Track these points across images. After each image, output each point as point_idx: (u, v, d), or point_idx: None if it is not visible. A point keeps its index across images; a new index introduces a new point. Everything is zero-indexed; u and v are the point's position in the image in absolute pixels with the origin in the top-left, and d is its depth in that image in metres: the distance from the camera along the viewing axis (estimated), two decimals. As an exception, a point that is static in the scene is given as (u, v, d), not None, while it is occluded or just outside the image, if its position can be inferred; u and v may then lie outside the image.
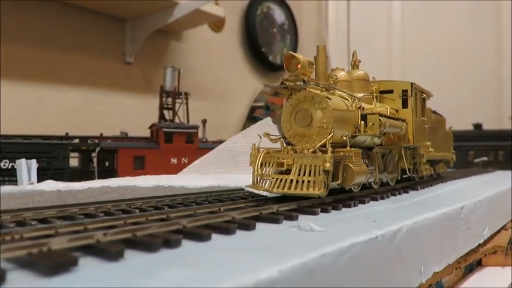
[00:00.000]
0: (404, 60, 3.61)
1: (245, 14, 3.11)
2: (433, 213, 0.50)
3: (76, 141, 1.13)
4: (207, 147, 1.08)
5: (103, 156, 1.05)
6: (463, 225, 0.60)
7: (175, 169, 0.98)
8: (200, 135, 1.50)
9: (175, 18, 2.30)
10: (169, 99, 1.74)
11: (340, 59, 3.62)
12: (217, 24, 2.96)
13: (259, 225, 0.40)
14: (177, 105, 1.75)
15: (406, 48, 3.73)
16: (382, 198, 0.64)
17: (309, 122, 0.58)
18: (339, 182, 0.56)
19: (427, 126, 0.90)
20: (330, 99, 0.59)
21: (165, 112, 1.77)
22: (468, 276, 0.68)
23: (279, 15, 3.36)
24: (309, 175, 0.53)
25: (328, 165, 0.52)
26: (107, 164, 1.07)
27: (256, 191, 0.58)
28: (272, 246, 0.32)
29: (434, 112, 1.09)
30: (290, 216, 0.43)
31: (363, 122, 0.64)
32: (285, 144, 0.61)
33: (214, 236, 0.35)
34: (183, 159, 1.11)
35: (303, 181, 0.53)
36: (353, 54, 0.83)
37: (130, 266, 0.26)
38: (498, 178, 1.18)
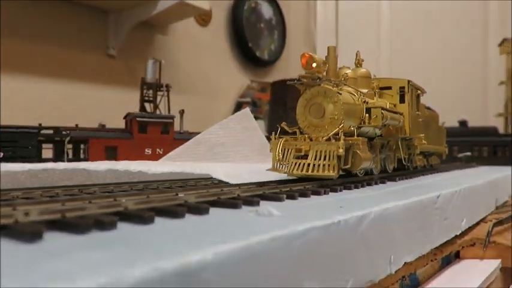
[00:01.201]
0: (392, 57, 3.61)
1: (232, 8, 3.07)
2: (405, 200, 0.47)
3: (49, 132, 1.09)
4: (183, 138, 1.04)
5: (75, 146, 1.01)
6: (438, 214, 0.57)
7: (150, 160, 0.94)
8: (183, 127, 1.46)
9: (159, 11, 2.26)
10: (151, 92, 1.70)
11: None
12: (203, 18, 2.92)
13: (215, 210, 0.37)
14: (158, 98, 1.71)
15: (394, 45, 3.73)
16: (357, 187, 0.62)
17: (322, 114, 0.67)
18: (349, 166, 0.64)
19: (420, 119, 0.98)
20: (340, 94, 0.67)
21: (146, 105, 1.73)
22: (445, 268, 0.66)
23: (266, 10, 3.32)
24: (324, 159, 0.61)
25: (341, 151, 0.60)
26: (81, 155, 1.03)
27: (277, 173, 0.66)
28: (218, 230, 0.29)
29: (428, 108, 1.17)
30: (251, 201, 0.40)
31: (367, 115, 0.72)
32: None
33: (159, 219, 0.31)
34: (157, 150, 1.07)
35: (319, 165, 0.61)
36: (356, 54, 0.88)
37: (45, 248, 0.22)
38: (480, 172, 1.17)
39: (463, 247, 0.71)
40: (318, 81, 0.67)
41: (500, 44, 3.13)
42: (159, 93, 1.71)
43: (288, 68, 3.39)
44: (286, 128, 0.70)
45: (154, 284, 0.19)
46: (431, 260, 0.61)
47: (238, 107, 3.08)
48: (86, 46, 2.22)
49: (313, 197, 0.50)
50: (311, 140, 0.66)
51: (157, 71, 1.73)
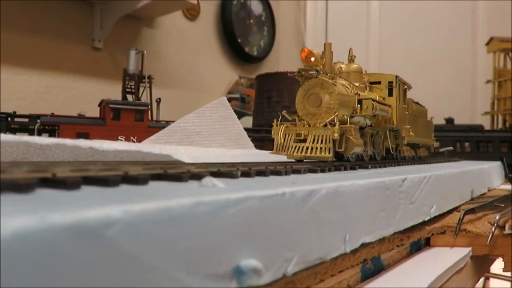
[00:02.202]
0: (381, 56, 3.62)
1: (221, 3, 3.05)
2: (365, 180, 0.46)
3: (24, 120, 1.07)
4: (159, 126, 1.02)
5: (50, 134, 0.99)
6: (403, 198, 0.56)
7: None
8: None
9: (145, 3, 2.23)
10: (133, 83, 1.68)
11: (318, 50, 3.60)
12: (191, 12, 2.90)
13: (157, 183, 0.35)
14: (141, 90, 1.69)
15: (383, 45, 3.73)
16: (323, 171, 0.60)
17: (318, 103, 0.75)
18: (342, 149, 0.72)
19: (407, 112, 1.06)
20: (335, 85, 0.75)
21: (129, 97, 1.71)
22: (413, 255, 0.65)
23: (256, 6, 3.30)
24: (321, 143, 0.69)
25: (336, 135, 0.69)
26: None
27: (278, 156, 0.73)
28: (146, 195, 0.27)
29: (416, 103, 1.24)
30: (200, 176, 0.39)
31: (359, 106, 0.80)
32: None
33: (87, 187, 0.30)
34: (131, 137, 1.05)
35: (316, 148, 0.69)
36: (349, 51, 0.95)
37: None
38: (460, 165, 1.16)
39: (432, 234, 0.70)
40: (316, 73, 0.74)
41: (488, 43, 3.15)
42: (142, 84, 1.69)
43: (277, 64, 3.38)
44: (286, 115, 0.79)
45: (36, 238, 0.17)
46: (398, 245, 0.60)
47: (227, 102, 3.05)
48: (71, 38, 2.19)
49: (271, 176, 0.48)
50: (309, 126, 0.73)
51: (140, 62, 1.71)
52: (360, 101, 0.80)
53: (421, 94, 1.52)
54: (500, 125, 3.02)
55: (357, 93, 0.81)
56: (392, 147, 0.96)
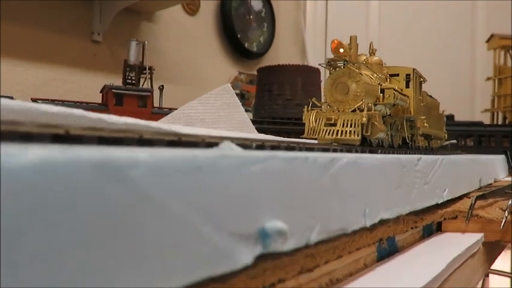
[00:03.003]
0: (381, 53, 3.61)
1: (221, -1, 3.02)
2: (383, 155, 0.44)
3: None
4: (162, 112, 1.00)
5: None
6: (419, 177, 0.55)
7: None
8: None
9: (144, -4, 2.21)
10: (133, 74, 1.66)
11: (318, 48, 3.59)
12: (191, 7, 2.88)
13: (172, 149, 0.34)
14: (141, 81, 1.67)
15: (382, 43, 3.72)
16: (335, 150, 0.59)
17: (346, 91, 0.79)
18: (368, 134, 0.76)
19: (422, 104, 1.12)
20: (362, 75, 0.79)
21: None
22: (426, 239, 0.64)
23: (256, 2, 3.29)
24: (351, 126, 0.74)
25: (364, 120, 0.74)
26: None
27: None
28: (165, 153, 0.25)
29: (430, 96, 1.28)
30: (216, 144, 0.37)
31: (381, 94, 0.85)
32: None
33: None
34: (134, 124, 1.03)
35: (346, 131, 0.74)
36: (370, 45, 1.01)
37: None
38: (466, 155, 1.15)
39: (445, 218, 0.68)
40: (344, 63, 0.80)
41: (488, 40, 3.15)
42: (143, 76, 1.67)
43: (277, 61, 3.36)
44: (316, 102, 0.83)
45: (59, 170, 0.15)
46: (412, 228, 0.58)
47: (226, 98, 3.03)
48: (69, 31, 2.16)
49: (296, 151, 0.46)
50: (339, 111, 0.78)
51: (141, 53, 1.69)
52: (382, 90, 0.85)
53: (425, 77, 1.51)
54: (500, 122, 3.02)
55: (379, 84, 0.87)
56: (408, 137, 1.00)
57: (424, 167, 0.57)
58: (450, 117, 2.57)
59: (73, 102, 1.03)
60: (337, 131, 0.74)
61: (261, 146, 0.43)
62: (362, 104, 0.76)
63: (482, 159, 1.00)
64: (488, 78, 3.15)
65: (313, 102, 0.82)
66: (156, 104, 1.26)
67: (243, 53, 3.11)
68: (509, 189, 0.82)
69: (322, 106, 0.82)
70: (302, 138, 0.80)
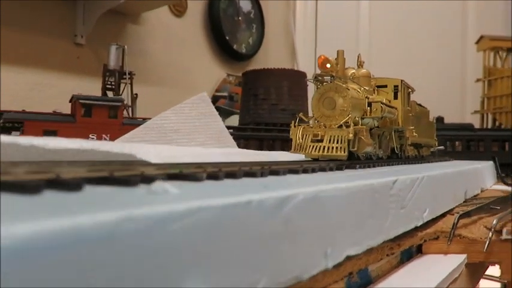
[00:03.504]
0: (371, 55, 3.58)
1: (209, 0, 2.98)
2: (351, 183, 0.40)
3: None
4: (134, 123, 0.95)
5: (16, 130, 0.92)
6: (394, 202, 0.50)
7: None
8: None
9: (129, -2, 2.16)
10: (114, 79, 1.61)
11: (308, 49, 3.55)
12: (178, 8, 2.83)
13: (97, 188, 0.29)
14: (122, 86, 1.63)
15: (373, 44, 3.69)
16: (306, 171, 0.54)
17: (333, 106, 0.80)
18: (355, 149, 0.77)
19: (411, 114, 1.13)
20: (348, 90, 0.80)
21: (109, 93, 1.64)
22: (404, 264, 0.60)
23: (244, 3, 3.24)
24: (337, 143, 0.74)
25: (351, 136, 0.74)
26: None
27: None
28: (63, 208, 0.21)
29: (419, 105, 1.30)
30: (152, 179, 0.33)
31: (369, 108, 0.85)
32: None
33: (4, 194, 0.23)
34: (104, 136, 0.98)
35: (333, 147, 0.74)
36: (358, 57, 1.02)
37: None
38: (452, 165, 1.11)
39: (425, 240, 0.64)
40: (331, 79, 0.81)
41: (478, 42, 3.12)
42: (123, 81, 1.62)
43: (266, 62, 3.32)
44: (303, 117, 0.83)
45: None
46: (387, 255, 0.54)
47: (215, 101, 3.00)
48: (52, 33, 2.11)
49: (244, 178, 0.42)
50: (325, 127, 0.79)
51: (121, 57, 1.64)
52: (369, 104, 0.86)
53: (412, 95, 1.49)
54: (490, 124, 3.00)
55: (366, 97, 0.87)
56: (397, 147, 1.02)
57: (401, 190, 0.52)
58: (440, 120, 2.54)
59: (40, 113, 0.97)
60: (324, 147, 0.74)
61: (214, 175, 0.39)
62: (349, 119, 0.77)
63: (468, 170, 0.96)
64: (478, 80, 3.13)
65: (300, 117, 0.83)
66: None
67: (231, 54, 3.06)
68: (495, 205, 0.79)
69: (310, 121, 0.83)
70: (289, 152, 0.81)
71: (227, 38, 3.01)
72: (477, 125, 3.01)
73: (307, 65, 3.45)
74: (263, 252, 0.28)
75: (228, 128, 1.49)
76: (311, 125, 0.81)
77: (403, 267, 0.58)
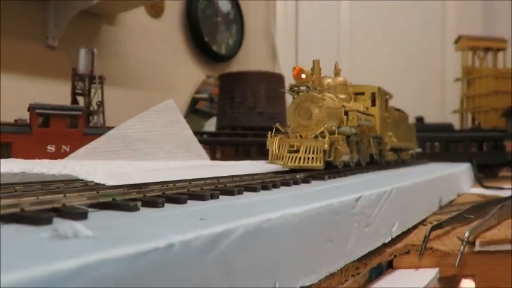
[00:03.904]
0: (352, 56, 3.57)
1: (187, 0, 2.93)
2: (304, 207, 0.37)
3: None
4: (96, 133, 0.90)
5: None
6: (357, 221, 0.47)
7: (54, 159, 0.80)
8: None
9: (101, -2, 2.10)
10: (84, 84, 1.55)
11: (288, 49, 3.52)
12: (155, 9, 2.77)
13: (4, 228, 0.25)
14: (93, 91, 1.57)
15: (353, 45, 3.69)
16: (265, 187, 0.51)
17: (309, 116, 0.81)
18: (332, 158, 0.78)
19: (389, 120, 1.14)
20: (324, 99, 0.81)
21: (79, 98, 1.58)
22: (373, 282, 0.56)
23: (223, 4, 3.19)
24: (313, 153, 0.75)
25: (326, 146, 0.75)
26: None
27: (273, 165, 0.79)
28: None
29: (398, 110, 1.32)
30: (71, 215, 0.28)
31: (345, 117, 0.86)
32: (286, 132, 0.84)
33: None
34: (63, 147, 0.93)
35: (309, 158, 0.75)
36: (335, 65, 1.02)
37: None
38: (427, 169, 1.09)
39: (395, 256, 0.62)
40: (307, 89, 0.81)
41: (456, 41, 3.14)
42: (94, 86, 1.57)
43: (247, 63, 3.28)
44: (280, 128, 0.84)
45: None
46: (353, 275, 0.51)
47: (194, 103, 2.96)
48: (22, 36, 2.03)
49: (190, 202, 0.38)
50: (301, 137, 0.79)
51: (91, 61, 1.58)
52: (346, 113, 0.87)
53: (391, 93, 1.48)
54: (469, 123, 3.02)
55: (343, 106, 0.88)
56: (375, 153, 1.03)
57: (365, 207, 0.49)
58: (420, 120, 2.54)
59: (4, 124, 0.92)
60: (300, 157, 0.75)
61: (152, 202, 0.35)
62: (325, 129, 0.78)
63: (443, 176, 0.94)
64: (457, 79, 3.15)
65: (277, 128, 0.83)
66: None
67: (211, 56, 3.01)
68: (469, 214, 0.76)
69: (288, 130, 0.83)
70: (266, 162, 0.81)
71: (206, 39, 2.96)
72: (457, 124, 3.03)
73: (288, 66, 3.42)
74: (189, 302, 0.25)
75: (202, 133, 1.44)
76: (289, 135, 0.82)
77: (371, 285, 0.55)
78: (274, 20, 3.51)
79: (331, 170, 0.80)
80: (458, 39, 3.12)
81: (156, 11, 2.73)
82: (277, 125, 0.84)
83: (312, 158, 0.74)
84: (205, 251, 0.26)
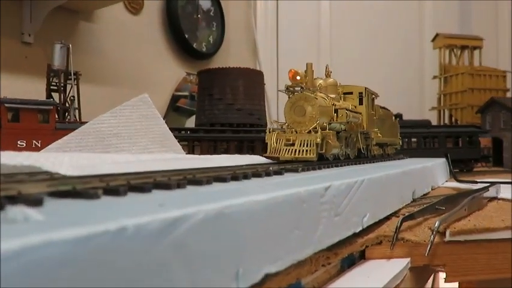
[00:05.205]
0: (331, 54, 3.59)
1: (166, -3, 2.89)
2: (269, 194, 0.37)
3: None
4: (67, 128, 0.89)
5: None
6: (327, 210, 0.47)
7: (24, 154, 0.78)
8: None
9: (78, -6, 2.06)
10: (59, 80, 1.52)
11: (269, 47, 3.52)
12: (133, 5, 2.73)
13: None
14: (68, 88, 1.54)
15: (333, 43, 3.71)
16: (235, 178, 0.51)
17: (303, 113, 0.90)
18: (323, 151, 0.87)
19: (375, 117, 1.26)
20: (317, 99, 0.91)
21: (54, 95, 1.55)
22: (344, 272, 0.57)
23: (204, 1, 3.17)
24: (307, 146, 0.84)
25: (318, 140, 0.84)
26: None
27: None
28: None
29: (383, 108, 1.42)
30: (27, 200, 0.28)
31: (335, 114, 0.95)
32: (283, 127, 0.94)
33: None
34: (34, 142, 0.91)
35: (303, 150, 0.84)
36: (326, 67, 1.11)
37: None
38: (403, 164, 1.11)
39: (367, 246, 0.62)
40: (301, 89, 0.91)
41: (433, 39, 3.19)
42: (69, 82, 1.54)
43: (227, 61, 3.27)
44: (276, 123, 0.95)
45: None
46: (323, 265, 0.51)
47: (175, 100, 2.93)
48: (-4, 32, 1.98)
49: (155, 191, 0.38)
50: (296, 132, 0.89)
51: (66, 56, 1.55)
52: (336, 111, 0.95)
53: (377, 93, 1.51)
54: (446, 120, 3.08)
55: (333, 104, 0.97)
56: (363, 148, 1.12)
57: (335, 196, 0.49)
58: (398, 116, 2.58)
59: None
60: (295, 150, 0.84)
61: (114, 189, 0.34)
62: (317, 124, 0.87)
63: (417, 169, 0.95)
64: (434, 77, 3.20)
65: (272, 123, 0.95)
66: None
67: (191, 53, 2.99)
68: (440, 205, 0.78)
69: (284, 126, 0.92)
70: (264, 156, 0.90)
71: (186, 36, 2.94)
72: (434, 121, 3.09)
73: (269, 64, 3.42)
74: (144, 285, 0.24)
75: (180, 129, 1.43)
76: (285, 130, 0.91)
77: (342, 275, 0.55)
78: (254, 17, 3.51)
79: (322, 162, 0.87)
80: (435, 38, 3.17)
81: (134, 7, 2.69)
82: (274, 120, 0.98)
83: (306, 150, 0.83)
84: (161, 235, 0.25)
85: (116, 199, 0.33)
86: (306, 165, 0.76)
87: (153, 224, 0.25)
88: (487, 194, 0.93)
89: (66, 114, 1.32)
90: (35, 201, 0.28)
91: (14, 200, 0.28)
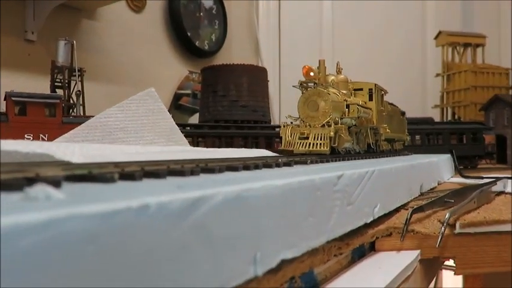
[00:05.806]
0: (334, 52, 3.59)
1: (169, -5, 2.89)
2: (286, 180, 0.36)
3: None
4: (74, 121, 0.88)
5: None
6: (339, 199, 0.47)
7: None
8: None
9: (81, -9, 2.06)
10: (65, 77, 1.52)
11: (271, 45, 3.52)
12: (136, 3, 2.73)
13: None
14: (72, 84, 1.54)
15: (336, 41, 3.70)
16: (247, 168, 0.50)
17: (316, 108, 0.92)
18: (336, 145, 0.89)
19: (384, 113, 1.28)
20: (329, 94, 0.94)
21: (58, 91, 1.55)
22: (355, 264, 0.57)
23: (206, -1, 3.17)
24: (320, 139, 0.86)
25: (332, 134, 0.87)
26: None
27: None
28: None
29: (391, 104, 1.46)
30: (46, 182, 0.27)
31: (347, 109, 0.98)
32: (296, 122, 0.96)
33: None
34: (41, 136, 0.91)
35: (317, 143, 0.86)
36: (337, 64, 1.13)
37: None
38: (410, 159, 1.10)
39: (377, 238, 0.62)
40: (314, 85, 0.94)
41: (436, 37, 3.19)
42: (73, 78, 1.54)
43: (230, 59, 3.26)
44: (290, 118, 0.95)
45: None
46: (335, 255, 0.51)
47: (177, 98, 2.93)
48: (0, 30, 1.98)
49: (169, 178, 0.37)
50: (310, 126, 0.91)
51: (70, 53, 1.55)
52: (347, 106, 0.98)
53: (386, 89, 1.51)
54: (449, 118, 3.07)
55: (345, 100, 0.99)
56: (372, 143, 1.15)
57: (347, 185, 0.49)
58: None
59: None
60: (309, 143, 0.87)
61: (129, 174, 0.34)
62: (330, 119, 0.89)
63: (424, 164, 0.95)
64: (437, 75, 3.19)
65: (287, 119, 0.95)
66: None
67: (193, 51, 2.99)
68: (449, 198, 0.77)
69: (297, 121, 0.94)
70: (279, 149, 0.94)
71: (189, 34, 2.94)
72: (437, 119, 3.08)
73: (271, 62, 3.42)
74: (167, 265, 0.24)
75: (185, 125, 1.43)
76: (299, 125, 0.93)
77: (353, 266, 0.55)
78: (256, 15, 3.50)
79: (333, 155, 0.88)
80: (438, 35, 3.16)
81: (137, 5, 2.69)
82: (288, 115, 0.97)
83: (320, 143, 0.86)
84: (182, 215, 0.25)
85: (132, 183, 0.33)
86: (316, 158, 0.76)
87: (175, 203, 0.25)
88: (494, 188, 0.93)
89: (71, 110, 1.32)
90: (54, 183, 0.28)
91: (33, 181, 0.28)
